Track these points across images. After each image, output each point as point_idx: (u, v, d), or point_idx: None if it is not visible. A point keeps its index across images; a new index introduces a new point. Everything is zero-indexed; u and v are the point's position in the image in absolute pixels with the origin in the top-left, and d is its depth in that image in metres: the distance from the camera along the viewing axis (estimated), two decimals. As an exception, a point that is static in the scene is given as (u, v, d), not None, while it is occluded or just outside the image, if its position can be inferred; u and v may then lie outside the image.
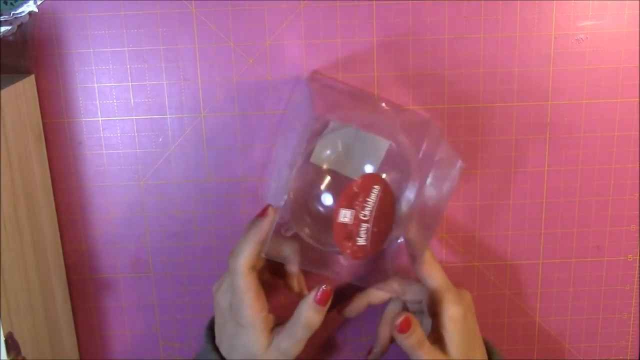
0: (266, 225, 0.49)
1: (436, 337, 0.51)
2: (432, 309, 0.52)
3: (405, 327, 0.50)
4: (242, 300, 0.49)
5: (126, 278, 0.59)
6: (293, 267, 0.52)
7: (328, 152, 0.49)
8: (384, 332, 0.55)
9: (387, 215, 0.48)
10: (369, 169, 0.49)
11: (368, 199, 0.47)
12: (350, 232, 0.47)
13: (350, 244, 0.47)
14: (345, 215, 0.47)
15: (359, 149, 0.49)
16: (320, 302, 0.48)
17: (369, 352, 0.56)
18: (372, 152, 0.49)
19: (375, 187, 0.47)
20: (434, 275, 0.51)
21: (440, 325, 0.51)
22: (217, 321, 0.52)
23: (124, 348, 0.60)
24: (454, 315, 0.50)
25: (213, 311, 0.52)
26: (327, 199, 0.49)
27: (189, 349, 0.61)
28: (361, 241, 0.47)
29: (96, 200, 0.57)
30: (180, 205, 0.57)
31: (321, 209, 0.49)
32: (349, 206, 0.47)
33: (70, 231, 0.57)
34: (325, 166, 0.49)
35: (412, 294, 0.54)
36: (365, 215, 0.47)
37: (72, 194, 0.57)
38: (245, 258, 0.48)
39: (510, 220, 0.58)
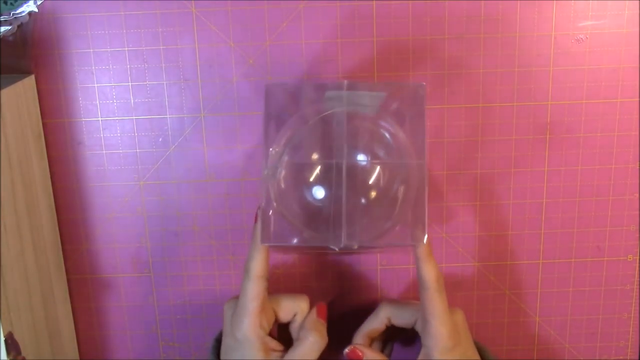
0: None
1: None
2: (424, 336, 0.50)
3: (356, 358, 0.51)
4: (244, 309, 0.49)
5: (126, 278, 0.59)
6: None
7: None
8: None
9: None
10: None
11: None
12: None
13: None
14: None
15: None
16: (321, 316, 0.51)
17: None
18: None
19: None
20: (435, 306, 0.49)
21: (430, 355, 0.50)
22: (223, 333, 0.52)
23: (124, 348, 0.60)
24: (445, 350, 0.49)
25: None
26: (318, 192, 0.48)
27: (189, 349, 0.61)
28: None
29: (96, 200, 0.57)
30: (180, 205, 0.57)
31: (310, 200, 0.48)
32: None
33: (70, 231, 0.57)
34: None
35: (403, 319, 0.53)
36: None
37: (72, 194, 0.57)
38: (256, 263, 0.49)
39: (510, 220, 0.58)
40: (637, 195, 0.57)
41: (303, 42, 0.54)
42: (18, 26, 0.52)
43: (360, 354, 0.51)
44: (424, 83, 0.48)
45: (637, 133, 0.56)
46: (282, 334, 0.53)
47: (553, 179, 0.57)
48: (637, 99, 0.55)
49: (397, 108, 0.49)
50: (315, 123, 0.48)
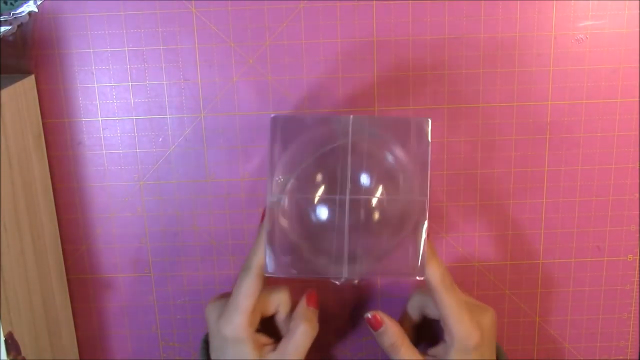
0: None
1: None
2: (445, 332, 0.50)
3: (375, 324, 0.50)
4: (237, 306, 0.48)
5: (126, 278, 0.59)
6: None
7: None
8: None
9: None
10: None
11: None
12: None
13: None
14: None
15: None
16: (311, 303, 0.51)
17: None
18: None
19: None
20: (447, 306, 0.48)
21: (446, 354, 0.49)
22: (209, 334, 0.52)
23: (124, 348, 0.60)
24: (462, 349, 0.48)
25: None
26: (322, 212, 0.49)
27: (189, 349, 0.61)
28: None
29: (96, 200, 0.57)
30: (180, 205, 0.57)
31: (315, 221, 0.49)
32: None
33: (70, 231, 0.57)
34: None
35: (433, 310, 0.52)
36: None
37: (72, 194, 0.57)
38: (259, 260, 0.48)
39: (511, 220, 0.58)
40: (637, 195, 0.57)
41: (303, 42, 0.54)
42: (18, 26, 0.52)
43: (380, 320, 0.50)
44: (429, 118, 0.47)
45: (637, 133, 0.56)
46: (264, 326, 0.53)
47: (553, 179, 0.57)
48: (637, 99, 0.55)
49: (402, 141, 0.50)
50: (319, 154, 0.49)
